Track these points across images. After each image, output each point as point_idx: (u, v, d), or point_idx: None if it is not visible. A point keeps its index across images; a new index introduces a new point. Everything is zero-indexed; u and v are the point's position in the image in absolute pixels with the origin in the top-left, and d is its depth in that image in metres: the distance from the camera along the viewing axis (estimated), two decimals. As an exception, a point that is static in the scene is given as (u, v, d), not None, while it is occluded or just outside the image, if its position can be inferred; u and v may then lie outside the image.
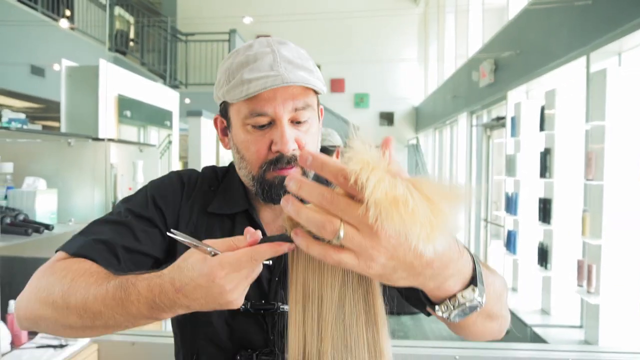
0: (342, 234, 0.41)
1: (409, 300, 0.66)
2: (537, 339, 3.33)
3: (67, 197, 1.90)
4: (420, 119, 10.88)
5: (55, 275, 0.64)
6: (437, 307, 0.50)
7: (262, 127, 0.73)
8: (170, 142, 3.66)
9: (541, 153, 3.79)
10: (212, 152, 4.52)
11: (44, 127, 7.46)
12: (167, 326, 2.54)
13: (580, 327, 3.38)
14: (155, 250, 0.76)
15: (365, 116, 10.82)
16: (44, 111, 7.36)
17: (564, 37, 3.75)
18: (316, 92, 0.77)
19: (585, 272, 3.06)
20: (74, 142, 1.91)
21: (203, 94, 8.10)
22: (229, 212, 0.80)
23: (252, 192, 0.80)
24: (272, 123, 0.73)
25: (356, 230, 0.42)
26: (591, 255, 3.05)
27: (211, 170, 0.87)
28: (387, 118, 11.27)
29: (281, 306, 0.76)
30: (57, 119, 2.63)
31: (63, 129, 2.49)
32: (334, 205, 0.42)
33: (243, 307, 0.76)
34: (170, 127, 3.55)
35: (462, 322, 0.52)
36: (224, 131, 0.82)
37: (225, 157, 4.94)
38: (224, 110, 0.80)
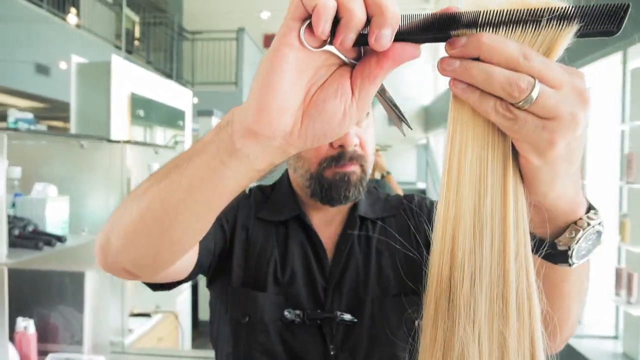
0: (537, 91, 0.32)
1: None
2: (571, 350, 3.16)
3: (79, 204, 1.74)
4: (430, 118, 10.70)
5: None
6: (565, 233, 0.41)
7: None
8: (176, 142, 3.52)
9: (571, 154, 3.61)
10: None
11: (49, 127, 7.34)
12: (184, 345, 2.38)
13: (615, 337, 3.20)
14: (218, 245, 0.76)
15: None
16: (49, 111, 7.23)
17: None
18: None
19: (624, 281, 2.88)
20: (87, 145, 1.75)
21: (211, 93, 7.96)
22: (282, 219, 0.80)
23: (302, 199, 0.80)
24: None
25: (554, 90, 0.33)
26: (632, 263, 2.87)
27: (258, 187, 0.87)
28: (396, 118, 11.08)
29: (340, 315, 0.72)
30: (63, 119, 2.47)
31: (73, 130, 2.33)
32: (530, 63, 0.32)
33: (299, 318, 0.72)
34: (183, 128, 3.39)
35: (561, 271, 0.44)
36: None
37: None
38: None
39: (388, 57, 0.33)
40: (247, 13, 9.05)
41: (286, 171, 0.85)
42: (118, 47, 7.46)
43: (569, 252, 0.41)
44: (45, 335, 1.68)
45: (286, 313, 0.73)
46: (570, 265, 0.42)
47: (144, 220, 0.44)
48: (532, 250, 0.41)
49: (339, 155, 0.72)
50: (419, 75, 10.97)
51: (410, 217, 0.82)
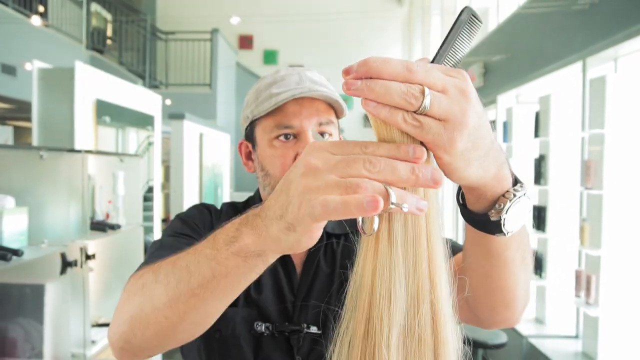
0: (428, 98, 0.38)
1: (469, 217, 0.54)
2: (534, 350, 3.26)
3: (39, 215, 1.71)
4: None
5: (135, 291, 0.58)
6: (495, 206, 0.47)
7: (287, 138, 0.77)
8: (150, 144, 3.48)
9: (535, 160, 3.72)
10: (195, 157, 4.33)
11: (16, 127, 7.14)
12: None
13: (576, 337, 3.32)
14: None
15: (349, 118, 10.70)
16: (16, 111, 7.03)
17: (559, 42, 3.69)
18: (337, 117, 0.83)
19: (583, 283, 2.99)
20: (47, 155, 1.72)
21: (184, 95, 7.87)
22: None
23: None
24: (297, 137, 0.77)
25: (442, 94, 0.39)
26: (590, 266, 2.98)
27: (229, 204, 0.90)
28: (371, 120, 11.17)
29: (306, 328, 0.78)
30: (29, 120, 2.41)
31: (35, 137, 2.28)
32: (413, 74, 0.39)
33: (268, 330, 0.78)
34: (152, 131, 3.35)
35: (501, 240, 0.51)
36: (249, 155, 0.87)
37: (209, 162, 4.75)
38: (250, 132, 0.84)
39: None
40: (221, 15, 8.97)
41: (257, 190, 0.89)
42: (88, 48, 7.30)
43: (501, 222, 0.47)
44: (4, 349, 1.65)
45: (256, 326, 0.78)
46: (505, 234, 0.48)
47: (167, 317, 0.52)
48: (473, 224, 0.50)
49: None
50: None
51: None
